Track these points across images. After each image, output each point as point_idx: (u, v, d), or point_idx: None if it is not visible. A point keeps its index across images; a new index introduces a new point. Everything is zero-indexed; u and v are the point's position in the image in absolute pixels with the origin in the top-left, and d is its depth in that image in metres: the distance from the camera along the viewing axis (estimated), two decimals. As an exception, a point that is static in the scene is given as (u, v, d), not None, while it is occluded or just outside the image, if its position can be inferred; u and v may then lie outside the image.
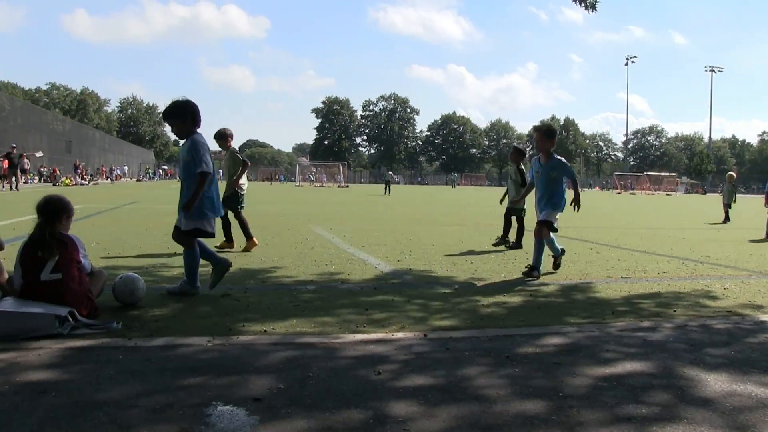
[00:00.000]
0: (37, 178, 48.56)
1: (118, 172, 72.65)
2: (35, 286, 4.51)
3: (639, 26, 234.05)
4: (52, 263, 4.55)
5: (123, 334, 4.32)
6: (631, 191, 79.90)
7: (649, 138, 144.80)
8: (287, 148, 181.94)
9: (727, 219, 19.00)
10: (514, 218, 10.55)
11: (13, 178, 33.27)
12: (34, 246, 4.59)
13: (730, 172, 21.42)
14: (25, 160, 38.49)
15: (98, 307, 4.79)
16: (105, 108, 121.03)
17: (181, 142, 6.02)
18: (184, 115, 5.81)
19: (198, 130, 5.87)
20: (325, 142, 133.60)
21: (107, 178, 65.66)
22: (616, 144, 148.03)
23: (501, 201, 11.70)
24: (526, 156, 11.51)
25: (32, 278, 4.53)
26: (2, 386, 3.24)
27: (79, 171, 50.62)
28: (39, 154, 42.69)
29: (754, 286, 7.05)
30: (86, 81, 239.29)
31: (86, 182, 52.18)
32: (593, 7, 10.60)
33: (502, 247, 10.19)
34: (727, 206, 19.33)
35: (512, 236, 10.50)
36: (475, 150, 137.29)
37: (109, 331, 4.38)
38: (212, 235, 5.94)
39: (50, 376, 3.43)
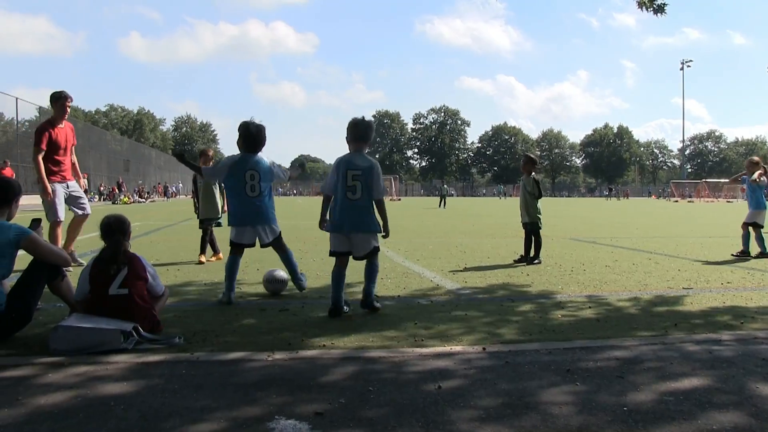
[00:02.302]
0: (97, 197, 49.89)
1: (174, 189, 74.15)
2: (103, 299, 4.68)
3: (695, 28, 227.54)
4: (120, 279, 4.70)
5: (186, 349, 4.41)
6: (689, 199, 78.07)
7: (707, 144, 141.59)
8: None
9: None
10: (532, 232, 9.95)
11: None
12: (108, 262, 4.75)
13: None
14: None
15: (160, 322, 4.90)
16: (160, 127, 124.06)
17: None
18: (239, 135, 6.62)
19: (243, 150, 6.60)
20: (376, 156, 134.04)
21: (164, 195, 67.06)
22: (672, 151, 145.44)
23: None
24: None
25: (101, 292, 4.69)
26: (75, 399, 3.36)
27: (123, 190, 51.24)
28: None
29: (824, 296, 6.80)
30: (142, 101, 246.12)
31: (144, 200, 53.40)
32: (662, 9, 10.34)
33: (546, 260, 10.02)
34: None
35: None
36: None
37: (171, 346, 4.48)
38: (238, 246, 6.56)
39: (118, 389, 3.53)
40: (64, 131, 8.78)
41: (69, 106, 8.69)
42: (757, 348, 4.56)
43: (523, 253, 9.91)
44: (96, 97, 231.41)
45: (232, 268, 6.39)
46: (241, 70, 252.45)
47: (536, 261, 9.62)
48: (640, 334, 4.98)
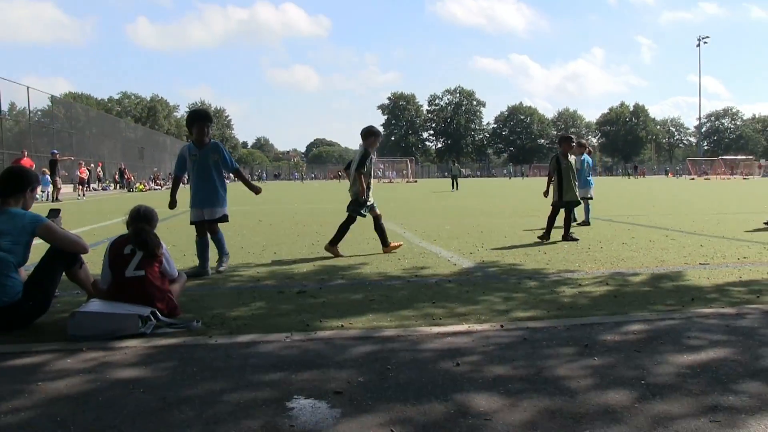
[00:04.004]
0: (113, 185, 50.18)
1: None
2: (121, 282, 4.74)
3: (712, 2, 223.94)
4: (137, 261, 4.75)
5: (204, 333, 4.42)
6: (706, 176, 77.36)
7: (723, 121, 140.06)
8: (354, 146, 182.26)
9: None
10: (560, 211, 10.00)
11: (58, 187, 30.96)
12: (126, 242, 4.86)
13: None
14: (84, 169, 36.58)
15: (178, 306, 4.92)
16: (174, 113, 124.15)
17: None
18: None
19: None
20: (392, 138, 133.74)
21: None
22: (688, 129, 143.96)
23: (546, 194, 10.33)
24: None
25: (118, 275, 4.77)
26: (95, 383, 3.38)
27: (126, 177, 50.69)
28: (73, 158, 40.72)
29: None
30: (155, 88, 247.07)
31: (159, 187, 53.65)
32: None
33: (574, 238, 9.94)
34: None
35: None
36: (543, 140, 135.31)
37: (190, 330, 4.49)
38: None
39: (138, 373, 3.55)
40: None
41: None
42: (777, 321, 4.52)
43: (563, 232, 9.89)
44: (109, 85, 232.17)
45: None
46: (253, 55, 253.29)
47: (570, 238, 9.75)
48: (658, 309, 4.95)
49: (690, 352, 3.77)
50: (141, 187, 49.02)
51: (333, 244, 8.30)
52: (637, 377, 3.34)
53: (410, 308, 5.11)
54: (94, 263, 5.94)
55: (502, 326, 4.44)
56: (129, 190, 46.75)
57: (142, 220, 5.09)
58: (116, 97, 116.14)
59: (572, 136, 10.50)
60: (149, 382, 3.39)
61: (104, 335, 4.28)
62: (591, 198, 12.57)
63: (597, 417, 2.82)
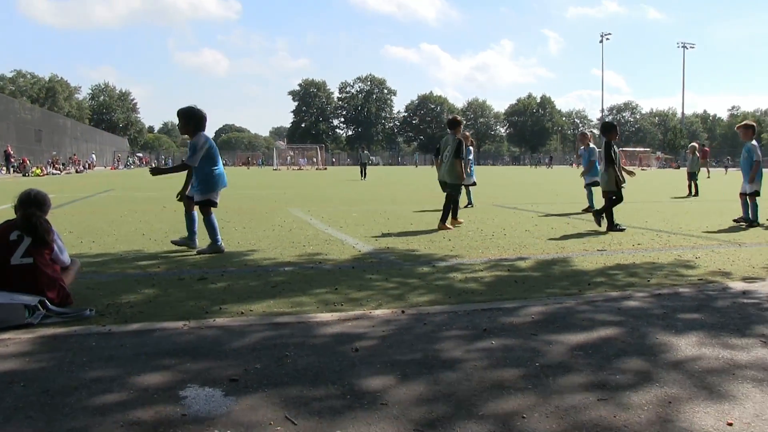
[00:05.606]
0: (4, 168, 47.77)
1: (90, 160, 71.41)
2: (6, 270, 4.47)
3: (613, 0, 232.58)
4: (24, 247, 4.50)
5: (97, 321, 4.26)
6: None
7: (624, 114, 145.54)
8: (264, 132, 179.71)
9: (691, 192, 19.02)
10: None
11: None
12: (14, 228, 4.60)
13: (692, 144, 21.56)
14: None
15: (70, 295, 4.72)
16: (76, 95, 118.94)
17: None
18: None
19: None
20: (303, 125, 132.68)
21: (78, 168, 64.29)
22: (592, 121, 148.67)
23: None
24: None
25: (3, 263, 4.48)
26: (-31, 377, 3.18)
27: (11, 160, 47.86)
28: None
29: (724, 254, 7.15)
30: (54, 68, 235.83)
31: (59, 172, 51.52)
32: None
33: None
34: (692, 175, 19.39)
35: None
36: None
37: (81, 319, 4.32)
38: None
39: (19, 366, 3.36)
40: None
41: None
42: (660, 302, 4.77)
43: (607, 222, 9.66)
44: (1, 62, 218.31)
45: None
46: (159, 36, 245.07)
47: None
48: (555, 293, 5.10)
49: (582, 334, 3.90)
50: (38, 171, 46.86)
51: (452, 218, 9.99)
52: (532, 358, 3.42)
53: (312, 295, 5.07)
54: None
55: (403, 311, 4.46)
56: (24, 175, 44.63)
57: (32, 204, 4.82)
58: (9, 75, 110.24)
59: (616, 125, 10.39)
60: (32, 374, 3.22)
61: (-14, 326, 4.05)
62: (474, 184, 14.35)
63: (491, 397, 2.87)
